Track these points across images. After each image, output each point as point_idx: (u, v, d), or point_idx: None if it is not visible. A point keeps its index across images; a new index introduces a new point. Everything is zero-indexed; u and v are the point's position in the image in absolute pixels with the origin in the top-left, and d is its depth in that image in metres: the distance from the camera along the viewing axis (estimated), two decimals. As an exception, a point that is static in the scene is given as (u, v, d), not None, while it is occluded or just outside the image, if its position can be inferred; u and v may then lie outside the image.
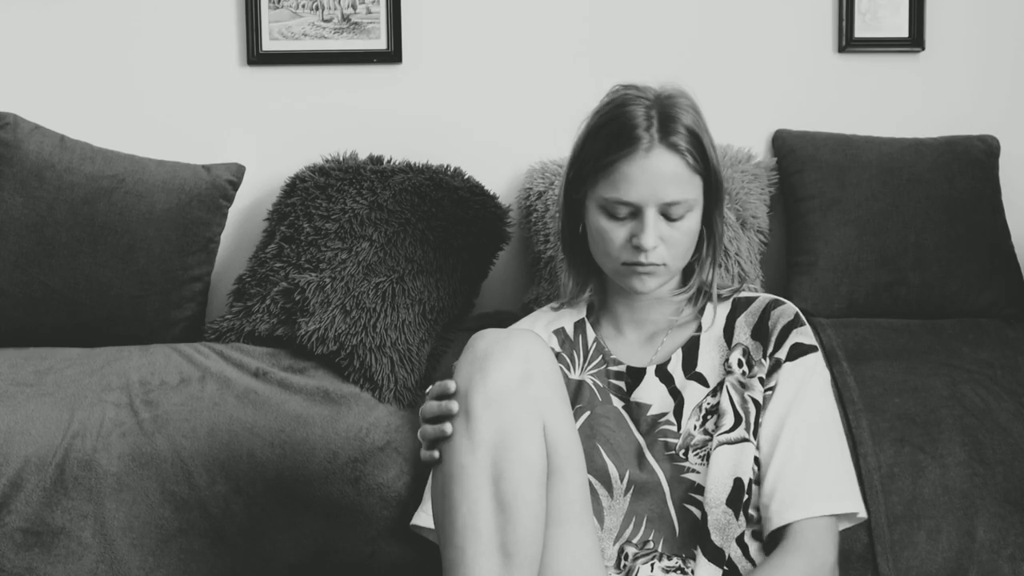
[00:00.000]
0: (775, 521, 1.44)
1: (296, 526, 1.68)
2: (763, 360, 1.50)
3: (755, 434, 1.46)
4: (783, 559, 1.40)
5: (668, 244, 1.47)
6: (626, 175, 1.45)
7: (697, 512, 1.44)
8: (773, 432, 1.47)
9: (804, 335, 1.52)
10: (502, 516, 1.26)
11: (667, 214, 1.46)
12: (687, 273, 1.58)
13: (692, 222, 1.48)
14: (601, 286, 1.61)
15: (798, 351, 1.50)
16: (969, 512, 1.66)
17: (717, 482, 1.44)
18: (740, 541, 1.45)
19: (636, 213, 1.46)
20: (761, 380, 1.49)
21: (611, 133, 1.47)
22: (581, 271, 1.60)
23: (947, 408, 1.76)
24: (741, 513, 1.44)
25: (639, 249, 1.46)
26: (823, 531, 1.43)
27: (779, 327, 1.52)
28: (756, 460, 1.46)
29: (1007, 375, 1.83)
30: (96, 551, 1.64)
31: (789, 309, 1.54)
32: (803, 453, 1.45)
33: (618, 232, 1.48)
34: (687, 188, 1.46)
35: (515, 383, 1.30)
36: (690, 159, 1.46)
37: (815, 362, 1.51)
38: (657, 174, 1.44)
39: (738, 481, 1.44)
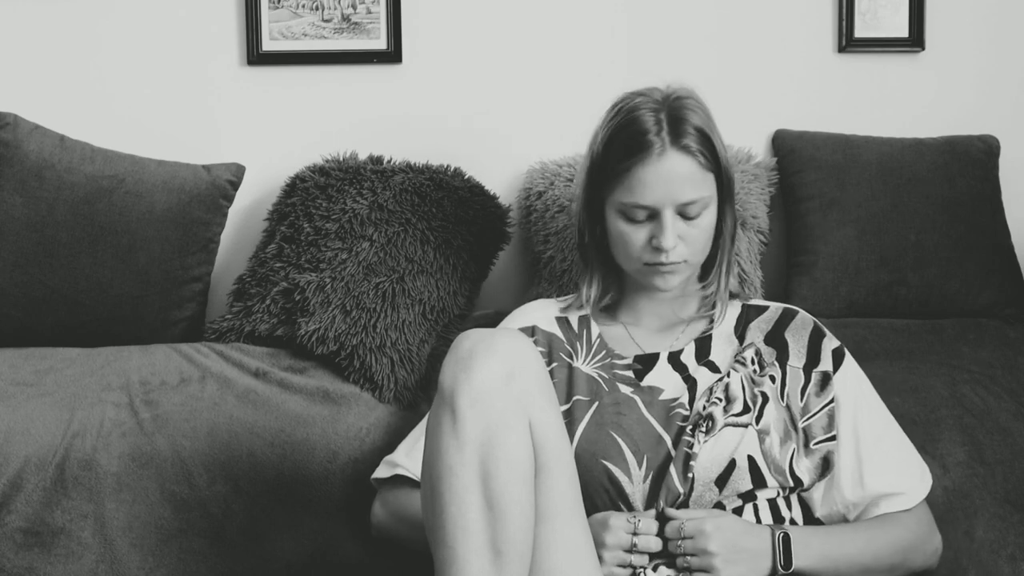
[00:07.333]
0: (884, 509, 1.55)
1: (296, 526, 1.68)
2: (775, 363, 1.56)
3: (758, 421, 1.51)
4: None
5: (687, 242, 1.53)
6: (641, 180, 1.50)
7: (689, 484, 1.47)
8: (851, 437, 1.56)
9: (831, 339, 1.61)
10: (491, 514, 1.27)
11: (684, 213, 1.52)
12: (704, 268, 1.63)
13: (708, 218, 1.55)
14: (620, 284, 1.66)
15: (838, 359, 1.59)
16: (969, 512, 1.66)
17: (713, 461, 1.47)
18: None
19: (654, 215, 1.52)
20: (772, 378, 1.55)
21: (624, 140, 1.52)
22: (602, 275, 1.64)
23: (947, 408, 1.76)
24: (725, 490, 1.48)
25: (659, 250, 1.52)
26: (923, 515, 1.57)
27: (806, 340, 1.59)
28: (760, 444, 1.49)
29: (1007, 375, 1.83)
30: (96, 551, 1.64)
31: (806, 319, 1.62)
32: (888, 444, 1.57)
33: (638, 235, 1.53)
34: (701, 187, 1.52)
35: (500, 381, 1.31)
36: (702, 159, 1.52)
37: (852, 361, 1.60)
38: (671, 176, 1.50)
39: (732, 462, 1.47)
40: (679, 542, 1.42)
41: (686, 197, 1.51)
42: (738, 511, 1.48)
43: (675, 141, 1.50)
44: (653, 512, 1.46)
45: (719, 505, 1.48)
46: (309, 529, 1.69)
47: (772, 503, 1.51)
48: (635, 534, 1.43)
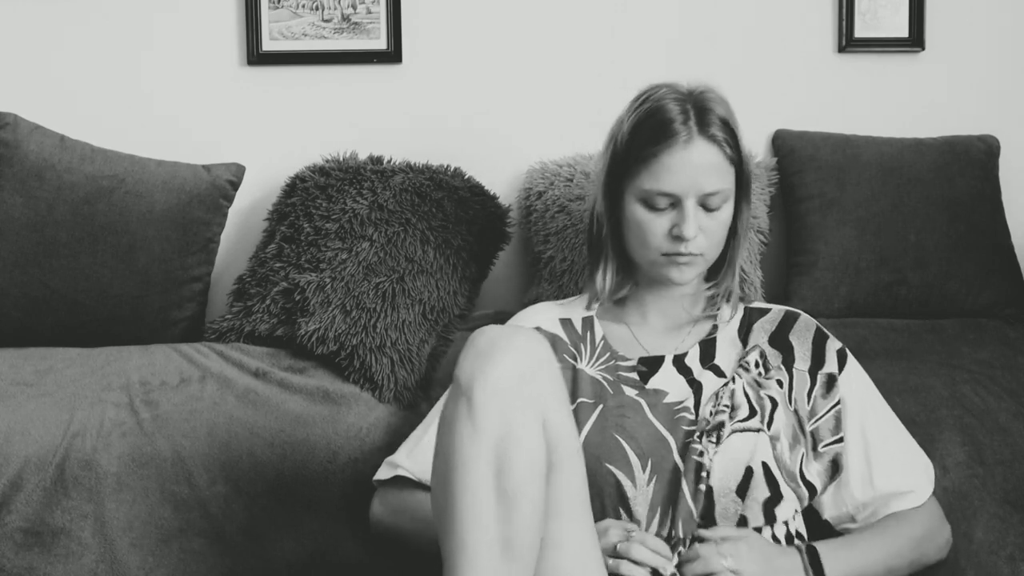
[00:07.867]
0: (894, 508, 1.55)
1: (296, 526, 1.68)
2: (781, 367, 1.56)
3: (769, 426, 1.50)
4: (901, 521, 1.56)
5: (706, 234, 1.53)
6: (667, 166, 1.51)
7: (704, 498, 1.46)
8: (859, 439, 1.56)
9: (834, 341, 1.60)
10: (503, 508, 1.27)
11: (705, 204, 1.53)
12: (711, 268, 1.63)
13: (727, 212, 1.55)
14: (629, 281, 1.65)
15: (842, 360, 1.59)
16: (968, 513, 1.66)
17: (728, 470, 1.46)
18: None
19: (676, 204, 1.53)
20: (779, 383, 1.55)
21: (650, 127, 1.53)
22: (616, 265, 1.64)
23: (947, 408, 1.76)
24: (747, 500, 1.47)
25: (680, 239, 1.52)
26: (933, 509, 1.58)
27: (809, 342, 1.59)
28: (772, 449, 1.49)
29: (1007, 375, 1.83)
30: (96, 551, 1.64)
31: (808, 322, 1.62)
32: (894, 444, 1.58)
33: (658, 223, 1.53)
34: (724, 178, 1.53)
35: (516, 379, 1.31)
36: (727, 149, 1.53)
37: (855, 362, 1.60)
38: (697, 165, 1.51)
39: (749, 470, 1.47)
40: (713, 559, 1.40)
41: (710, 187, 1.51)
42: (757, 531, 1.47)
43: (703, 130, 1.52)
44: (655, 525, 1.45)
45: (743, 519, 1.47)
46: (309, 529, 1.69)
47: (785, 524, 1.51)
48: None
